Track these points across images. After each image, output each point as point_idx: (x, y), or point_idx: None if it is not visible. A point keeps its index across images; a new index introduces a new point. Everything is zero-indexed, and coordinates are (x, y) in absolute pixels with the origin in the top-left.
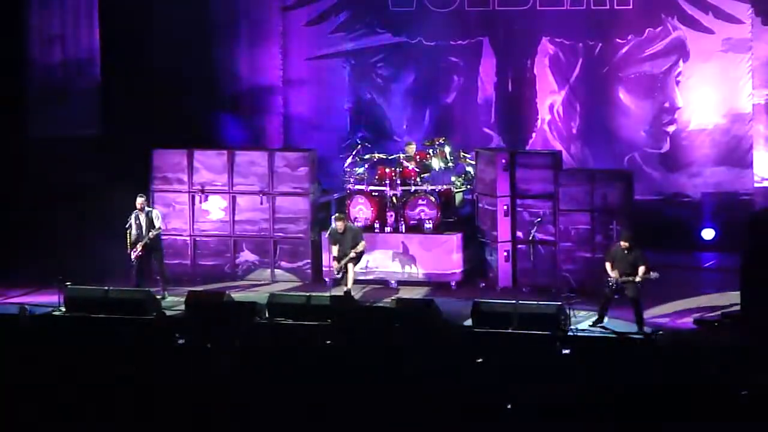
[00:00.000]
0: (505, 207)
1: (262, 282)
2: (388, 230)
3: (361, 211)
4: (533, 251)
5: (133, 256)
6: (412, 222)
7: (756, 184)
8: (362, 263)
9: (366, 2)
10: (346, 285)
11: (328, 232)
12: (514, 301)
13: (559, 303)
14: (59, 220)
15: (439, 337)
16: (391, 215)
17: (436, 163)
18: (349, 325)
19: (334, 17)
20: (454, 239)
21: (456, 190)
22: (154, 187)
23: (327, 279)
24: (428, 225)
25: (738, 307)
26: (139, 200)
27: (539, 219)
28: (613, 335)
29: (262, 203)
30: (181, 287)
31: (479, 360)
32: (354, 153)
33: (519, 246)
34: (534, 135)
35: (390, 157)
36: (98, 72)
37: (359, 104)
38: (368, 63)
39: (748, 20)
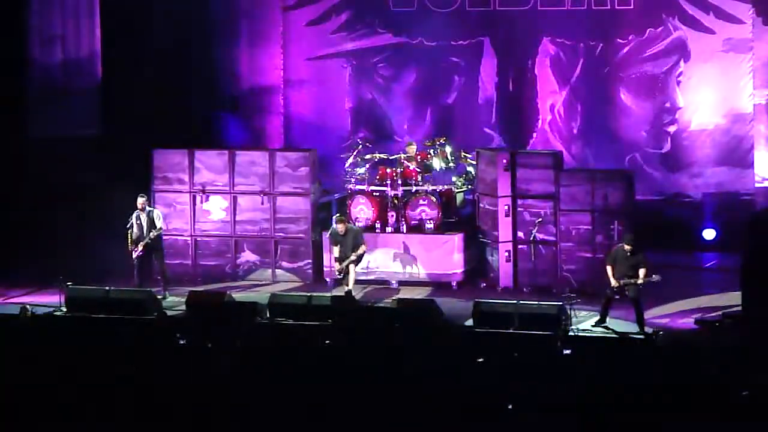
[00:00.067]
0: (506, 207)
1: (263, 282)
2: (389, 230)
3: (362, 211)
4: (534, 251)
5: (134, 256)
6: (413, 222)
7: (757, 184)
8: (363, 263)
9: (367, 2)
10: (347, 285)
11: (329, 233)
12: (515, 302)
13: (560, 303)
14: (59, 220)
15: (440, 338)
16: (392, 215)
17: (437, 163)
18: (349, 326)
19: (335, 17)
20: (455, 239)
21: (457, 191)
22: (154, 187)
23: (328, 279)
24: (429, 225)
25: (739, 308)
26: (140, 200)
27: (540, 219)
28: (614, 335)
29: (262, 203)
30: (182, 287)
31: (480, 360)
32: (355, 153)
33: (520, 246)
34: (535, 135)
35: (391, 158)
36: (98, 72)
37: (360, 104)
38: (369, 63)
39: (749, 20)
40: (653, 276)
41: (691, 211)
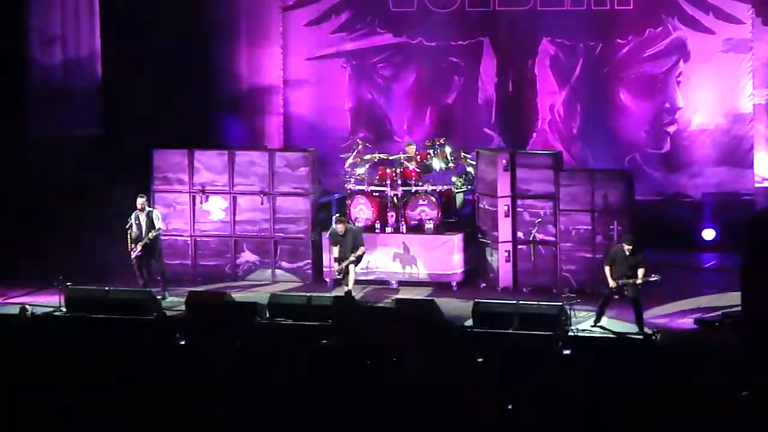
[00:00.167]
0: (506, 207)
1: (263, 282)
2: (389, 230)
3: (362, 211)
4: (534, 251)
5: (132, 256)
6: (412, 222)
7: (756, 185)
8: (363, 263)
9: (367, 2)
10: (346, 285)
11: (329, 233)
12: (514, 302)
13: (560, 303)
14: (59, 220)
15: (440, 338)
16: (392, 215)
17: (436, 164)
18: (349, 326)
19: (334, 17)
20: (455, 239)
21: (457, 191)
22: (154, 187)
23: (327, 279)
24: (429, 225)
25: (739, 308)
26: (140, 200)
27: (540, 219)
28: (613, 335)
29: (262, 203)
30: (182, 287)
31: (479, 360)
32: (354, 153)
33: (519, 246)
34: (534, 135)
35: (391, 158)
36: (98, 72)
37: (360, 104)
38: (369, 63)
39: (748, 20)
40: (652, 275)
41: (690, 211)
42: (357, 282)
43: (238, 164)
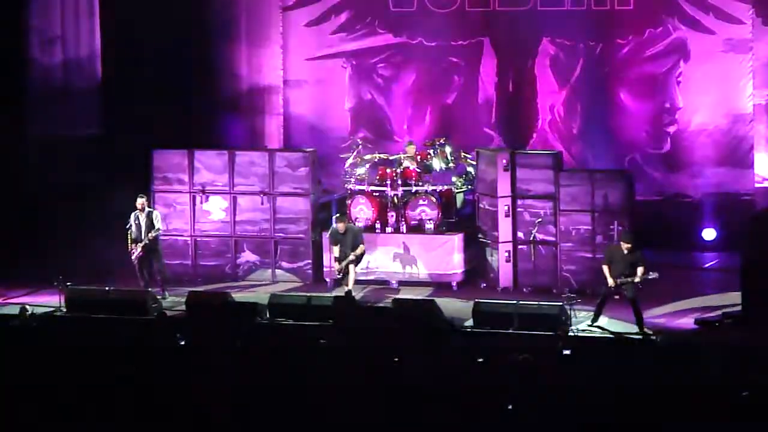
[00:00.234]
0: (506, 207)
1: (263, 282)
2: (389, 230)
3: (362, 211)
4: (534, 252)
5: (133, 257)
6: (413, 222)
7: (757, 185)
8: (363, 263)
9: (366, 2)
10: (346, 285)
11: (329, 232)
12: (514, 302)
13: (560, 303)
14: (59, 220)
15: (440, 338)
16: (392, 215)
17: (436, 164)
18: (349, 326)
19: (334, 17)
20: (455, 240)
21: (457, 191)
22: (154, 187)
23: (328, 279)
24: (429, 225)
25: (738, 307)
26: (140, 201)
27: (540, 219)
28: (612, 335)
29: (262, 203)
30: (182, 287)
31: (480, 360)
32: (354, 153)
33: (520, 246)
34: (535, 135)
35: (391, 158)
36: (98, 72)
37: (360, 104)
38: (369, 63)
39: (748, 21)
40: (650, 273)
41: (690, 212)
42: (357, 282)
43: (238, 164)
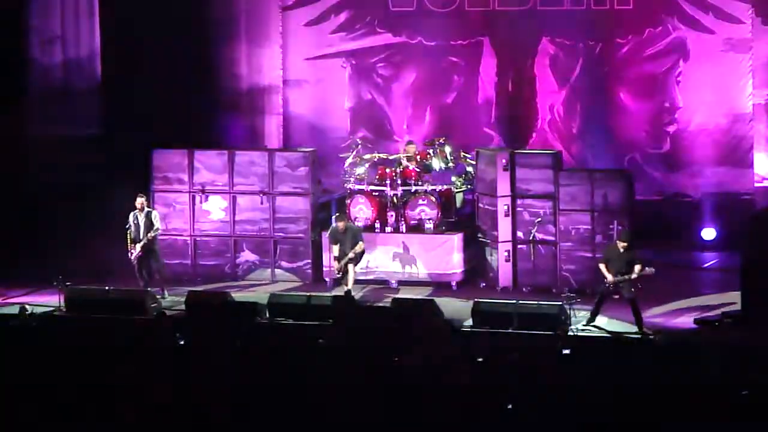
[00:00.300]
0: (506, 207)
1: (263, 282)
2: (389, 230)
3: (362, 210)
4: (533, 251)
5: (132, 257)
6: (412, 222)
7: (756, 184)
8: (363, 263)
9: (366, 2)
10: (346, 285)
11: (329, 231)
12: (514, 301)
13: (560, 303)
14: (59, 220)
15: (439, 337)
16: (392, 215)
17: (436, 163)
18: (349, 325)
19: (334, 17)
20: (455, 239)
21: (456, 190)
22: (154, 187)
23: (327, 279)
24: (429, 225)
25: (738, 307)
26: (139, 200)
27: (539, 219)
28: (611, 335)
29: (262, 203)
30: (182, 287)
31: (479, 360)
32: (354, 153)
33: (519, 246)
34: (534, 135)
35: (390, 157)
36: (98, 72)
37: (359, 104)
38: (368, 63)
39: (748, 20)
40: (647, 269)
41: (690, 211)
42: (357, 282)
43: (238, 164)
